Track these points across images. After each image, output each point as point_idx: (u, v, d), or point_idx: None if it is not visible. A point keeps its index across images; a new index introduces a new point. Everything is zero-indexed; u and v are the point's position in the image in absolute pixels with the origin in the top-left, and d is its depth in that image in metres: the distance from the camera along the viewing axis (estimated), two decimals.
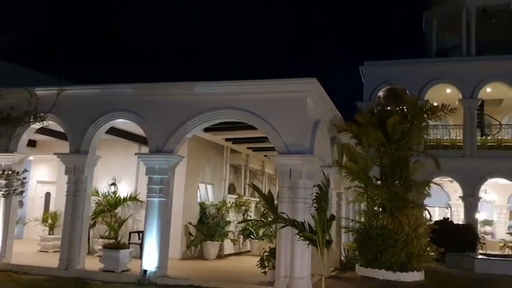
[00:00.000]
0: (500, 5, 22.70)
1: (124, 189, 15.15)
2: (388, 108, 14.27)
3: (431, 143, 21.39)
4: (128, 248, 12.03)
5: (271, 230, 13.63)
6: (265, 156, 18.63)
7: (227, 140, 16.16)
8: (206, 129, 13.28)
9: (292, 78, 10.77)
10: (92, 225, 14.37)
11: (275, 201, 10.47)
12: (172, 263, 11.64)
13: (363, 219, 14.17)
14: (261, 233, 16.43)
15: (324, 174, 9.36)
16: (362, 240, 12.87)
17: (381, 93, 21.55)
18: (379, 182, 13.55)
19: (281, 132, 10.53)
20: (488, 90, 22.13)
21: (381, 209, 13.29)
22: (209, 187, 16.68)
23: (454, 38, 24.36)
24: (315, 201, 9.04)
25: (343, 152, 14.35)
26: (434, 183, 14.34)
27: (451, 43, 24.84)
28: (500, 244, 22.14)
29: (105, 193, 14.89)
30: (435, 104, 13.90)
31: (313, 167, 10.51)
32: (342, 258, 14.46)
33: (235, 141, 16.35)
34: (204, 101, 11.17)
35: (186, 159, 13.10)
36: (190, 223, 14.95)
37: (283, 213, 9.77)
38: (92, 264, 11.70)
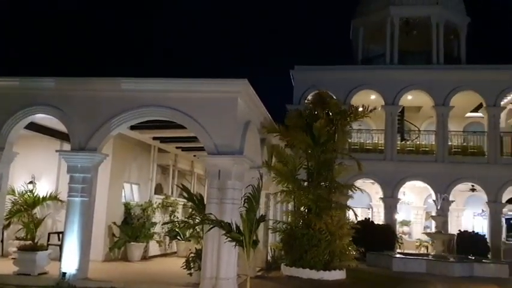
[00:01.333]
0: (422, 17, 24.13)
1: (44, 188, 14.33)
2: (316, 112, 14.68)
3: (355, 147, 22.30)
4: (46, 249, 11.39)
5: (198, 231, 13.53)
6: (195, 156, 18.44)
7: (155, 138, 15.81)
8: (133, 127, 12.89)
9: (223, 79, 10.75)
10: (6, 226, 13.46)
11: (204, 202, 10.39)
12: (94, 265, 11.19)
13: (289, 220, 14.45)
14: (188, 234, 16.22)
15: (259, 173, 9.43)
16: (288, 240, 13.13)
17: (309, 97, 22.16)
18: (305, 184, 13.90)
19: (211, 132, 10.46)
20: (409, 97, 23.45)
21: (306, 210, 13.64)
22: (135, 187, 16.23)
23: (379, 47, 25.56)
24: (245, 201, 9.08)
25: (272, 154, 14.55)
26: (356, 186, 14.92)
27: (376, 52, 26.03)
28: (417, 243, 23.54)
29: (22, 192, 13.99)
30: (360, 109, 14.46)
31: (242, 168, 10.54)
32: (269, 258, 14.64)
33: (163, 140, 16.03)
34: (131, 98, 10.84)
35: (110, 158, 12.64)
36: (114, 224, 14.45)
37: (211, 214, 9.70)
38: (6, 267, 10.96)
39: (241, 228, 8.72)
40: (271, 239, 15.55)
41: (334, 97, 14.87)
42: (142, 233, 14.81)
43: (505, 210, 22.79)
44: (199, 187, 20.75)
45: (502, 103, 22.61)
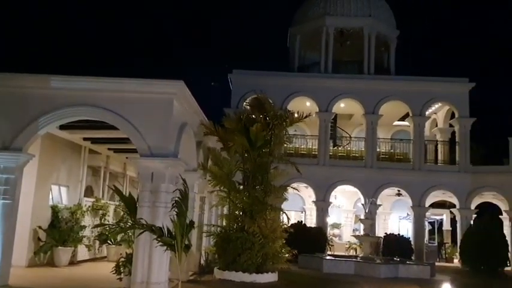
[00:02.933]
0: (355, 28, 25.12)
1: None
2: (253, 116, 14.82)
3: (291, 151, 22.76)
4: None
5: (130, 235, 13.19)
6: (127, 158, 17.98)
7: (85, 139, 15.26)
8: (62, 127, 12.38)
9: (159, 79, 10.57)
10: None
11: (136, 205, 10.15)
12: (16, 271, 10.61)
13: (224, 223, 14.45)
14: (119, 238, 15.77)
15: (182, 178, 9.33)
16: (222, 243, 13.12)
17: (248, 101, 22.36)
18: (241, 187, 13.98)
19: (145, 134, 10.25)
20: (342, 105, 24.30)
21: (241, 213, 13.72)
22: (63, 189, 15.53)
23: (315, 55, 26.32)
24: (175, 205, 8.98)
25: (208, 157, 14.51)
26: (292, 187, 15.23)
27: (312, 59, 26.78)
28: (346, 246, 24.37)
29: None
30: (295, 115, 14.78)
31: (176, 171, 10.42)
32: (202, 262, 14.56)
33: (94, 141, 15.50)
34: (61, 96, 10.38)
35: (37, 158, 12.05)
36: (40, 227, 13.75)
37: (141, 218, 9.50)
38: None
39: (173, 232, 8.61)
40: (205, 242, 15.48)
41: (270, 102, 15.08)
42: (71, 237, 14.21)
43: (428, 214, 24.20)
44: (132, 190, 20.17)
45: (427, 113, 24.01)
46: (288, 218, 14.80)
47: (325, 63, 24.57)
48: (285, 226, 14.22)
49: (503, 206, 23.12)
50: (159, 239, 8.63)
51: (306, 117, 14.90)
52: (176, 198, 9.13)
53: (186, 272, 12.03)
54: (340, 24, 25.10)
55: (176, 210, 8.95)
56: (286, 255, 13.98)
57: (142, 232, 9.09)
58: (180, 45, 63.10)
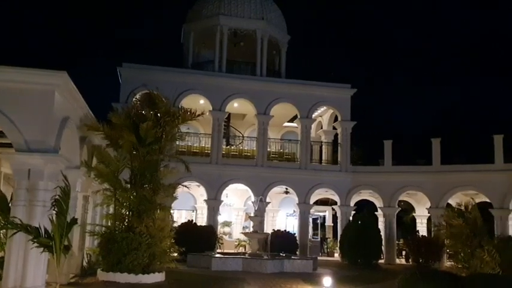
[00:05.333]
0: (248, 30, 25.59)
1: None
2: (143, 112, 14.41)
3: (183, 149, 22.55)
4: None
5: (2, 236, 12.07)
6: (1, 153, 16.42)
7: None
8: None
9: (39, 69, 9.86)
10: None
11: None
12: None
13: (110, 223, 13.87)
14: None
15: (63, 176, 8.79)
16: (106, 244, 12.60)
17: (138, 97, 21.63)
18: (128, 185, 13.52)
19: (21, 127, 9.49)
20: (235, 105, 24.66)
21: (128, 212, 13.28)
22: None
23: (209, 53, 26.35)
24: (54, 204, 8.43)
25: (93, 153, 13.81)
26: (184, 185, 15.06)
27: (206, 57, 26.77)
28: (236, 243, 24.78)
29: None
30: (189, 113, 14.60)
31: (57, 168, 9.78)
32: (85, 264, 13.83)
33: None
34: None
35: None
36: None
37: (15, 217, 8.76)
38: None
39: (51, 232, 8.07)
40: (88, 243, 14.73)
41: (163, 98, 14.76)
42: None
43: (312, 210, 25.53)
44: (9, 188, 18.55)
45: (313, 115, 25.30)
46: (172, 218, 14.51)
47: (219, 62, 24.72)
48: (174, 225, 14.04)
49: (378, 203, 25.18)
50: (35, 240, 8.03)
51: (199, 115, 14.85)
52: (56, 197, 8.57)
53: (66, 274, 11.34)
54: (234, 25, 25.41)
55: (56, 209, 8.40)
56: (175, 254, 13.84)
57: (16, 232, 8.40)
58: (75, 38, 59.34)
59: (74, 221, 8.74)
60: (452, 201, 23.02)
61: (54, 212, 8.39)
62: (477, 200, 22.73)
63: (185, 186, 15.23)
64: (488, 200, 21.94)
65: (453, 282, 9.30)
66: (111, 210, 14.06)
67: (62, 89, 10.12)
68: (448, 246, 14.83)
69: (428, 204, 23.34)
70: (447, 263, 20.88)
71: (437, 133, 23.76)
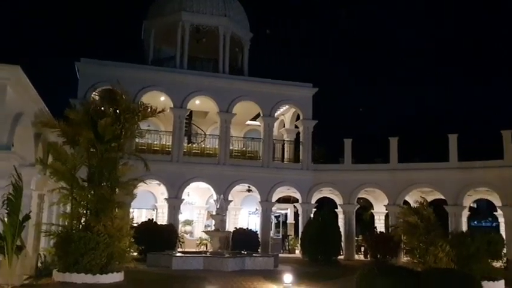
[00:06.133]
0: (211, 26, 25.40)
1: None
2: (102, 108, 14.09)
3: (143, 147, 22.18)
4: None
5: None
6: None
7: None
8: None
9: None
10: None
11: None
12: None
13: (66, 222, 13.48)
14: None
15: (16, 173, 8.47)
16: (62, 244, 12.25)
17: (97, 93, 21.14)
18: (86, 184, 13.19)
19: None
20: (197, 102, 24.45)
21: (85, 211, 12.96)
22: None
23: (170, 49, 26.02)
24: (6, 203, 8.10)
25: (49, 151, 13.38)
26: (144, 181, 14.79)
27: (167, 54, 26.43)
28: (197, 242, 24.60)
29: None
30: (149, 110, 14.35)
31: (9, 165, 9.40)
32: (40, 264, 13.38)
33: None
34: None
35: None
36: None
37: None
38: None
39: (2, 232, 7.74)
40: (44, 243, 14.27)
41: (123, 95, 14.44)
42: None
43: (274, 208, 25.66)
44: None
45: (276, 114, 25.42)
46: (132, 217, 14.28)
47: (181, 59, 24.43)
48: (134, 224, 13.80)
49: (338, 200, 25.59)
50: None
51: (160, 112, 14.66)
52: (8, 195, 8.23)
53: (20, 275, 10.90)
54: (196, 21, 25.17)
55: (7, 208, 8.07)
56: (135, 254, 13.60)
57: None
58: (31, 32, 57.18)
59: (26, 217, 8.43)
60: (409, 199, 23.71)
61: (5, 211, 8.05)
62: (432, 197, 23.65)
63: (145, 182, 14.92)
64: (443, 197, 22.67)
65: (409, 277, 9.55)
66: (68, 209, 13.69)
67: (15, 83, 9.76)
68: (404, 242, 15.18)
69: (386, 202, 23.88)
70: (404, 259, 21.42)
71: (396, 133, 24.36)
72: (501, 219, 22.54)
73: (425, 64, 58.83)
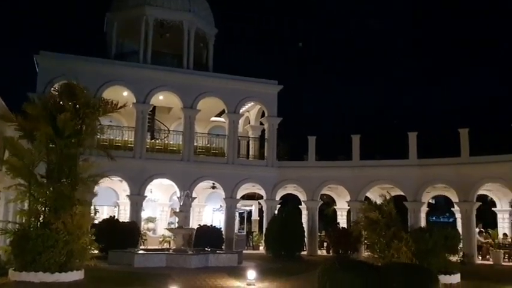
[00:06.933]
0: (175, 21, 25.08)
1: None
2: (62, 103, 13.71)
3: (105, 143, 21.69)
4: None
5: None
6: None
7: None
8: None
9: None
10: None
11: None
12: None
13: (24, 220, 13.06)
14: None
15: None
16: (19, 242, 11.89)
17: (56, 87, 20.50)
18: (44, 180, 12.81)
19: None
20: (161, 97, 24.13)
21: (44, 208, 12.59)
22: None
23: (133, 44, 25.53)
24: None
25: (5, 146, 12.92)
26: (107, 176, 14.50)
27: (130, 48, 25.93)
28: (160, 239, 24.34)
29: None
30: (110, 105, 14.04)
31: None
32: None
33: None
34: None
35: None
36: None
37: None
38: None
39: None
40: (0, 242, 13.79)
41: (84, 89, 14.07)
42: None
43: (239, 205, 25.70)
44: None
45: (240, 111, 25.39)
46: (96, 212, 13.97)
47: (144, 54, 24.00)
48: (94, 221, 13.51)
49: (302, 196, 25.85)
50: None
51: (121, 107, 14.42)
52: None
53: None
54: (160, 16, 24.80)
55: None
56: (95, 251, 13.33)
57: None
58: None
59: None
60: (371, 195, 24.23)
61: None
62: (393, 193, 24.18)
63: (108, 177, 14.62)
64: (402, 193, 23.27)
65: (370, 271, 9.74)
66: (26, 206, 13.27)
67: None
68: (365, 237, 15.49)
69: (348, 198, 24.30)
70: (365, 254, 21.91)
71: (358, 130, 24.82)
72: (458, 215, 23.30)
73: (389, 64, 60.21)
